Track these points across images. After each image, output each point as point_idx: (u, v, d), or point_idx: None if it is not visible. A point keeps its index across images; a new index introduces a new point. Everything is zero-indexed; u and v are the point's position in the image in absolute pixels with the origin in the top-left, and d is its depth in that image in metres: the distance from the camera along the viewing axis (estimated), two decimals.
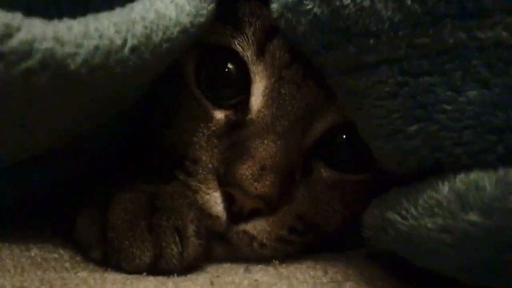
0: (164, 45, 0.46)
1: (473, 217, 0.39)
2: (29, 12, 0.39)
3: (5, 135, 0.46)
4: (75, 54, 0.40)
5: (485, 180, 0.40)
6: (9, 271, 0.48)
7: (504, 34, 0.41)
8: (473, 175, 0.41)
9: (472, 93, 0.42)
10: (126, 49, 0.43)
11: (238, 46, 0.57)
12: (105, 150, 0.59)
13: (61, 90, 0.42)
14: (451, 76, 0.43)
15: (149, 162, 0.59)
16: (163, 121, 0.60)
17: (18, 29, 0.37)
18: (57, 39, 0.39)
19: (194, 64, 0.59)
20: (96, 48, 0.41)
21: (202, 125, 0.57)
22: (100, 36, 0.41)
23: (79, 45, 0.40)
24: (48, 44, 0.38)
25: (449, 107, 0.43)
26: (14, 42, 0.37)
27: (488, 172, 0.41)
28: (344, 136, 0.58)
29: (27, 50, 0.38)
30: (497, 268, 0.40)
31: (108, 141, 0.58)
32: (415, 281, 0.50)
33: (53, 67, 0.39)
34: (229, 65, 0.58)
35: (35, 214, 0.60)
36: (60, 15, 0.40)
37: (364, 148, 0.52)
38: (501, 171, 0.40)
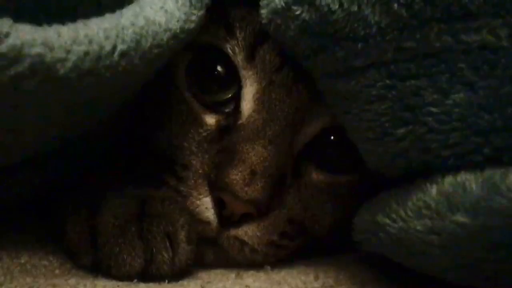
0: (154, 51, 0.46)
1: (460, 218, 0.39)
2: (18, 17, 0.39)
3: None
4: (65, 59, 0.40)
5: (472, 181, 0.40)
6: None
7: (489, 37, 0.41)
8: (460, 177, 0.42)
9: (459, 96, 0.43)
10: (116, 55, 0.43)
11: (229, 50, 0.57)
12: (94, 154, 0.59)
13: (50, 95, 0.41)
14: (437, 79, 0.43)
15: (139, 167, 0.59)
16: (153, 125, 0.59)
17: (7, 34, 0.37)
18: (46, 45, 0.39)
19: (186, 68, 0.59)
20: (86, 53, 0.41)
21: (192, 130, 0.57)
22: (90, 42, 0.41)
23: (68, 51, 0.40)
24: (37, 49, 0.38)
25: (436, 110, 0.43)
26: (3, 47, 0.37)
27: (475, 173, 0.41)
28: (334, 139, 0.58)
29: (16, 56, 0.38)
30: (484, 268, 0.40)
31: (97, 145, 0.58)
32: (407, 284, 0.50)
33: (43, 72, 0.39)
34: (221, 68, 0.58)
35: (24, 221, 0.59)
36: (49, 21, 0.40)
37: (353, 149, 0.53)
38: (487, 172, 0.41)
